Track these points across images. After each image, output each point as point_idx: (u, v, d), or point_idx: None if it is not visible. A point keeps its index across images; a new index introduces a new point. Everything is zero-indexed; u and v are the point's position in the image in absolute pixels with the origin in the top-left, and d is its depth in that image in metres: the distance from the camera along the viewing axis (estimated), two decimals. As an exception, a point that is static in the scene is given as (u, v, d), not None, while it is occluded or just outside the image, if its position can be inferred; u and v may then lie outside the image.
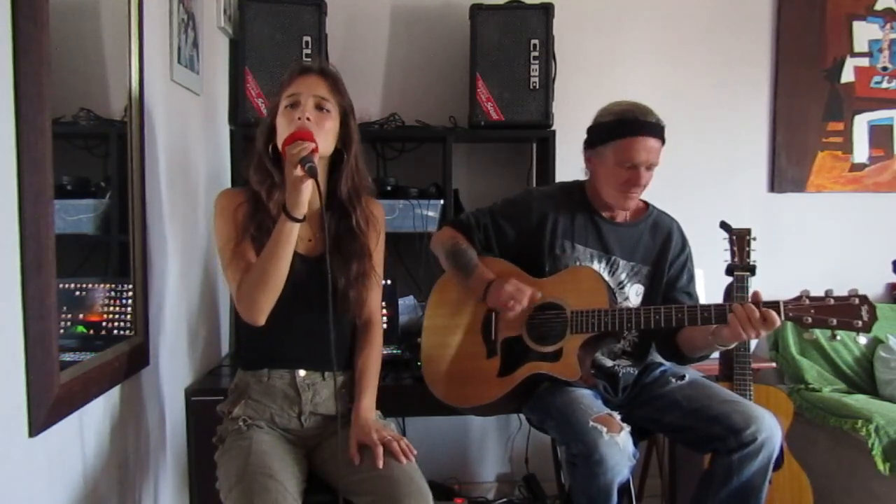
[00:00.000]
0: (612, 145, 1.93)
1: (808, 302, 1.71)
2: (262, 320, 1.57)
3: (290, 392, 1.65)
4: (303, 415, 1.66)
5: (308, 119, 1.57)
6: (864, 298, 1.68)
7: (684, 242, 2.08)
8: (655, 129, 1.92)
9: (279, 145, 1.58)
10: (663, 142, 1.95)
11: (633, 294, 2.02)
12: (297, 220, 1.49)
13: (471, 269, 2.00)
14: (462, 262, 2.02)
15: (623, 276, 2.02)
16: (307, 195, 1.49)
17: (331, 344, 1.48)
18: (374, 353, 1.75)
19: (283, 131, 1.59)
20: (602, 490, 1.71)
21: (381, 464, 1.50)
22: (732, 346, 1.86)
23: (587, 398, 1.87)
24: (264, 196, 1.62)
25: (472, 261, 2.01)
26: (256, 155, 1.66)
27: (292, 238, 1.52)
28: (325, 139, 1.60)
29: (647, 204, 2.10)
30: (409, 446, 1.57)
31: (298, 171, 1.44)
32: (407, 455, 1.54)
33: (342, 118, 1.65)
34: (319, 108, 1.60)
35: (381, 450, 1.52)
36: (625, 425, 1.74)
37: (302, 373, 1.66)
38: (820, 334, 2.76)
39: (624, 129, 1.92)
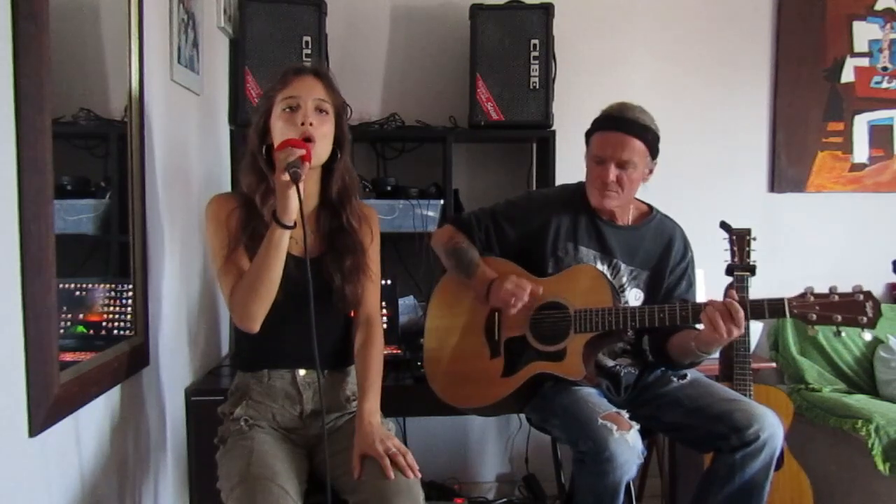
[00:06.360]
0: (590, 142, 1.97)
1: (812, 299, 1.69)
2: (256, 327, 1.56)
3: (292, 391, 1.66)
4: (304, 413, 1.66)
5: (311, 125, 1.56)
6: (868, 294, 1.66)
7: (686, 249, 2.05)
8: (629, 125, 1.89)
9: (275, 147, 1.56)
10: (645, 142, 1.90)
11: (633, 298, 2.01)
12: (287, 227, 1.48)
13: (472, 268, 1.99)
14: (464, 262, 2.01)
15: (624, 279, 2.01)
16: (295, 200, 1.46)
17: (314, 341, 1.41)
18: (376, 352, 1.71)
19: (280, 135, 1.57)
20: (610, 488, 1.71)
21: (391, 475, 1.47)
22: (714, 350, 1.84)
23: (593, 396, 1.88)
24: (258, 201, 1.60)
25: (474, 260, 2.00)
26: (250, 155, 1.65)
27: (283, 244, 1.50)
28: (325, 143, 1.60)
29: (650, 208, 2.08)
30: (413, 463, 1.52)
31: (286, 177, 1.44)
32: (414, 471, 1.50)
33: (336, 119, 1.64)
34: (318, 110, 1.60)
35: (387, 461, 1.48)
36: (633, 423, 1.74)
37: (302, 372, 1.66)
38: (821, 332, 2.75)
39: (598, 124, 1.95)
